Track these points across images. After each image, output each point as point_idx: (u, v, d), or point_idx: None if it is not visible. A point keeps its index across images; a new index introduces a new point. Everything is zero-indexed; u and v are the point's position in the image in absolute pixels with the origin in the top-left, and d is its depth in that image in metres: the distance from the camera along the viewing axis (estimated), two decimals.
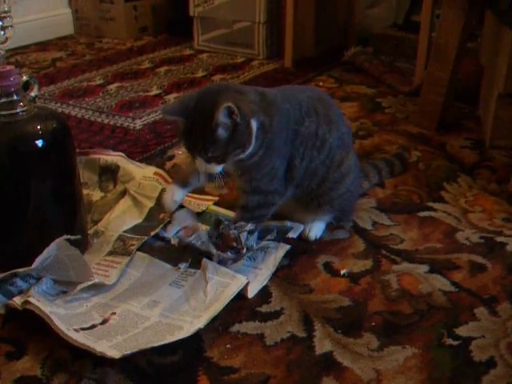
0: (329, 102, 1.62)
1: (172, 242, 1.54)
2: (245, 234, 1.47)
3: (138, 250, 1.51)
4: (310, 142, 1.51)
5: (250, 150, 1.41)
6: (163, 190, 1.67)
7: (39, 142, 1.39)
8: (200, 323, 1.27)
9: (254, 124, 1.40)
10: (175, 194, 1.52)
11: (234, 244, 1.47)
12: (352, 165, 1.60)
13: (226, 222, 1.49)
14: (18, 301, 1.33)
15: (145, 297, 1.37)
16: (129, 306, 1.35)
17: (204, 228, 1.57)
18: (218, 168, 1.42)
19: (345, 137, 1.59)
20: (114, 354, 1.17)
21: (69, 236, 1.38)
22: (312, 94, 1.62)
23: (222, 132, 1.36)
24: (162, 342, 1.21)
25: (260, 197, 1.51)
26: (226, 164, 1.43)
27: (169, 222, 1.56)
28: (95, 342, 1.22)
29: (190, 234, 1.48)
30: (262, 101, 1.45)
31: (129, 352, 1.17)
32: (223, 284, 1.38)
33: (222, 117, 1.34)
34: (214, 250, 1.45)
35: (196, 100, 1.40)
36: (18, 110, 1.38)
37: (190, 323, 1.28)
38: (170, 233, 1.50)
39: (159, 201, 1.64)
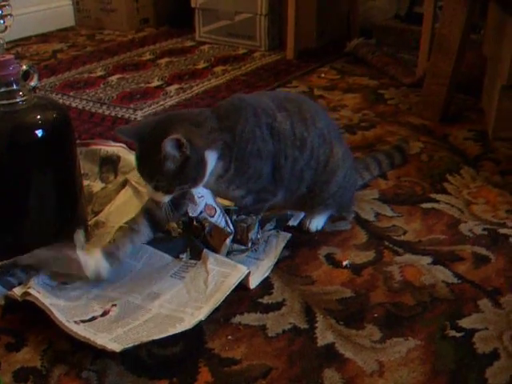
0: (299, 99, 1.58)
1: (173, 234, 1.53)
2: (255, 228, 1.47)
3: None
4: (288, 140, 1.46)
5: (203, 182, 1.38)
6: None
7: (39, 132, 1.38)
8: (201, 315, 1.26)
9: (209, 156, 1.36)
10: (102, 268, 1.36)
11: (239, 237, 1.46)
12: (339, 160, 1.54)
13: (235, 217, 1.49)
14: (17, 292, 1.32)
15: (146, 288, 1.37)
16: (129, 298, 1.34)
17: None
18: (164, 198, 1.37)
19: (325, 133, 1.53)
20: (115, 347, 1.17)
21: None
22: (277, 94, 1.61)
23: (169, 164, 1.31)
24: (163, 335, 1.20)
25: (253, 195, 1.48)
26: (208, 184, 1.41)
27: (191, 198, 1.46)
28: (95, 335, 1.21)
29: (212, 213, 1.45)
30: (220, 119, 1.40)
31: (130, 345, 1.17)
32: (224, 274, 1.38)
33: (169, 148, 1.28)
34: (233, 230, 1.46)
35: (152, 127, 1.36)
36: (17, 100, 1.38)
37: (190, 315, 1.27)
38: (195, 212, 1.44)
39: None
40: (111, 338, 1.20)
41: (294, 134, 1.47)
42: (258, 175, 1.45)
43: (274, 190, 1.50)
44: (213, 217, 1.45)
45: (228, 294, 1.33)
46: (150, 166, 1.34)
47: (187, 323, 1.24)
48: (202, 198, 1.44)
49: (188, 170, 1.33)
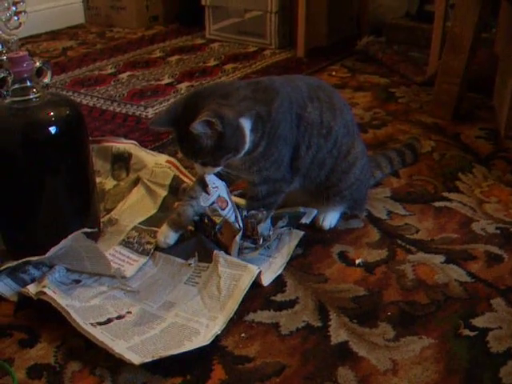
0: (330, 89, 1.61)
1: (184, 235, 1.52)
2: (262, 225, 1.46)
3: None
4: (315, 129, 1.49)
5: (245, 149, 1.39)
6: (175, 177, 1.67)
7: (52, 129, 1.38)
8: (216, 327, 1.25)
9: (245, 123, 1.38)
10: (168, 237, 1.49)
11: (249, 234, 1.46)
12: (359, 153, 1.57)
13: (245, 213, 1.48)
14: (32, 290, 1.32)
15: (161, 297, 1.36)
16: (144, 306, 1.33)
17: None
18: (215, 170, 1.42)
19: (349, 124, 1.56)
20: (133, 358, 1.15)
21: (86, 229, 1.37)
22: (311, 81, 1.61)
23: (206, 141, 1.34)
24: (180, 350, 1.18)
25: (269, 185, 1.49)
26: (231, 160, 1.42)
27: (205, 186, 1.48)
28: (113, 341, 1.20)
29: (224, 206, 1.45)
30: (256, 91, 1.42)
31: (149, 360, 1.15)
32: (235, 277, 1.36)
33: (199, 129, 1.31)
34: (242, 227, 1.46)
35: (182, 108, 1.38)
36: (31, 97, 1.37)
37: (206, 326, 1.26)
38: (207, 202, 1.45)
39: (171, 189, 1.66)
40: (128, 347, 1.19)
41: (321, 122, 1.49)
42: (281, 161, 1.46)
43: (290, 180, 1.51)
44: (224, 210, 1.45)
45: (241, 299, 1.32)
46: (190, 147, 1.37)
47: (203, 337, 1.23)
48: (216, 189, 1.45)
49: (227, 142, 1.36)
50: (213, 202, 1.45)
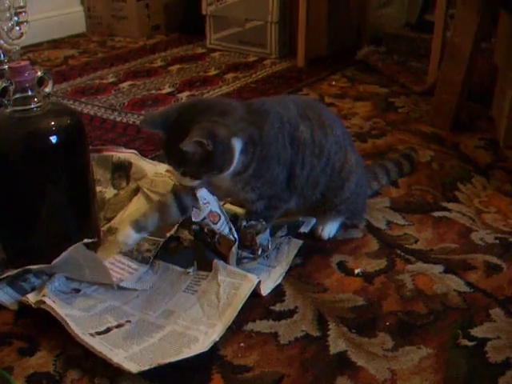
0: (318, 106, 1.61)
1: (184, 244, 1.53)
2: (261, 235, 1.46)
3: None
4: (307, 149, 1.48)
5: (229, 171, 1.39)
6: (175, 186, 1.67)
7: (53, 138, 1.38)
8: (215, 334, 1.25)
9: (236, 144, 1.37)
10: (128, 238, 1.44)
11: (248, 244, 1.46)
12: (353, 166, 1.56)
13: (244, 222, 1.48)
14: (32, 298, 1.32)
15: (160, 305, 1.36)
16: (144, 316, 1.33)
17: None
18: (193, 183, 1.41)
19: (341, 140, 1.55)
20: (131, 366, 1.16)
21: (86, 240, 1.37)
22: (300, 100, 1.62)
23: (193, 157, 1.34)
24: (179, 357, 1.18)
25: (265, 201, 1.48)
26: (224, 180, 1.42)
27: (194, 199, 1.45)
28: (111, 351, 1.20)
29: (216, 220, 1.45)
30: (250, 113, 1.43)
31: (146, 368, 1.15)
32: (235, 286, 1.37)
33: (190, 148, 1.31)
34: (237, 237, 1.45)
35: (177, 114, 1.38)
36: (32, 106, 1.38)
37: (204, 334, 1.26)
38: (198, 218, 1.44)
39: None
40: (127, 356, 1.19)
41: (313, 141, 1.48)
42: (274, 181, 1.45)
43: (287, 198, 1.51)
44: (216, 224, 1.44)
45: (240, 308, 1.32)
46: (175, 155, 1.36)
47: (201, 344, 1.23)
48: (207, 204, 1.44)
49: (214, 160, 1.35)
50: (204, 218, 1.44)
